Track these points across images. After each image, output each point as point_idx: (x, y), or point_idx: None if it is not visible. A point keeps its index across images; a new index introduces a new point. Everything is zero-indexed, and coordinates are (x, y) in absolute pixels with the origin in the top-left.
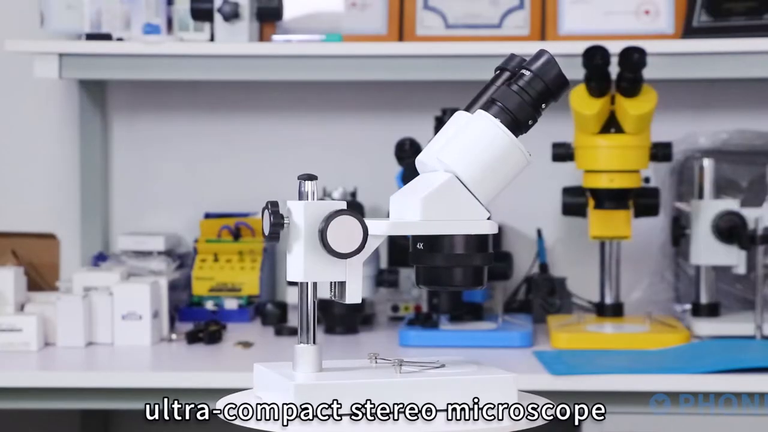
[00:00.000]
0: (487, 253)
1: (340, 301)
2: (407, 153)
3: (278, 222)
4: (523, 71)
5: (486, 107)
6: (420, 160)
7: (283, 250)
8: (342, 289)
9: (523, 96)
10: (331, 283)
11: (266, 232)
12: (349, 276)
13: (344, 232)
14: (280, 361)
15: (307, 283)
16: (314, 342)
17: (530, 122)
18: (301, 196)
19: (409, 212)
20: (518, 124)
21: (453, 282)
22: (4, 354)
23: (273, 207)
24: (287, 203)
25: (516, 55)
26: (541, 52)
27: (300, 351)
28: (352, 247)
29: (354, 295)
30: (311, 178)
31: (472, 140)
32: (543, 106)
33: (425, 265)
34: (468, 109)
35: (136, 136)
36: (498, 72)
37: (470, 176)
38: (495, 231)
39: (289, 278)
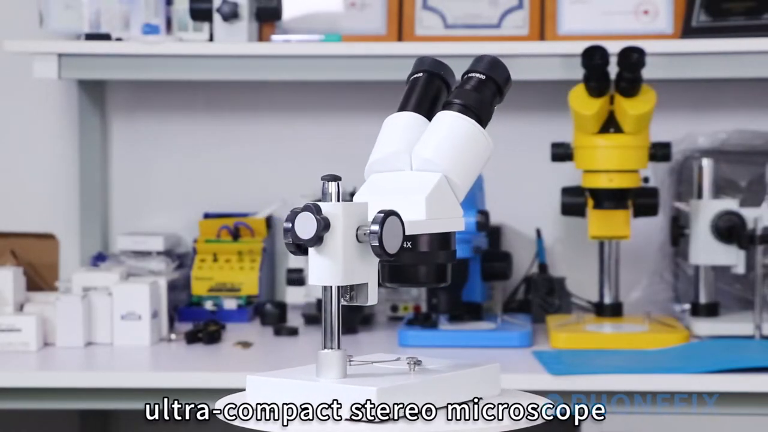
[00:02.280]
0: (451, 251)
1: (360, 304)
2: None
3: (327, 225)
4: (474, 74)
5: (446, 107)
6: (377, 160)
7: (282, 250)
8: (360, 291)
9: (482, 95)
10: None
11: (307, 237)
12: (370, 277)
13: (392, 234)
14: (270, 371)
15: (331, 287)
16: (339, 347)
17: (488, 121)
18: (325, 197)
19: (410, 212)
20: (481, 123)
21: (417, 279)
22: (4, 354)
23: (318, 210)
24: (322, 205)
25: (426, 56)
26: (484, 56)
27: (325, 356)
28: (396, 248)
29: (373, 296)
30: (335, 179)
31: (452, 138)
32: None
33: (391, 263)
34: (401, 110)
35: (136, 136)
36: (417, 75)
37: (455, 174)
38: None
39: (318, 282)
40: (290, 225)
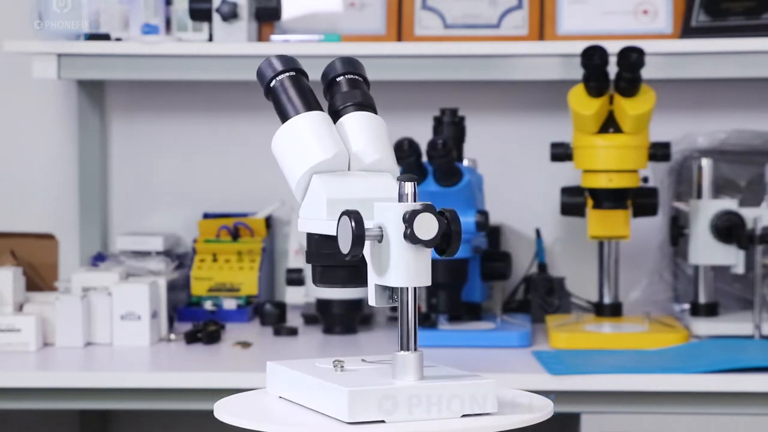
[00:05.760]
0: None
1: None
2: (406, 153)
3: (449, 227)
4: (344, 75)
5: (346, 111)
6: (325, 161)
7: (281, 250)
8: (403, 290)
9: (363, 90)
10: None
11: (429, 238)
12: None
13: None
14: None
15: (407, 288)
16: (416, 349)
17: None
18: (401, 198)
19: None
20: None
21: (349, 281)
22: (3, 354)
23: (435, 210)
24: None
25: (271, 57)
26: (336, 59)
27: (403, 358)
28: None
29: None
30: (411, 179)
31: (378, 135)
32: None
33: (323, 264)
34: (293, 115)
35: (135, 136)
36: (280, 77)
37: (395, 171)
38: None
39: (414, 284)
40: (408, 227)
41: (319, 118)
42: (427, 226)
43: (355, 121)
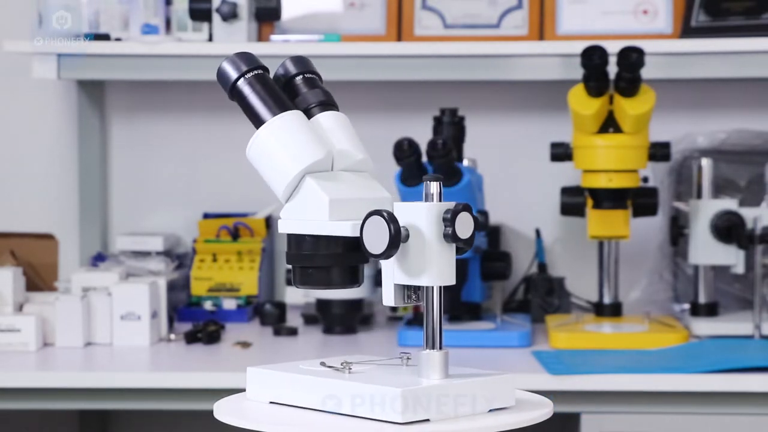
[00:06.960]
0: (362, 253)
1: (421, 303)
2: (406, 153)
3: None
4: (301, 75)
5: (313, 111)
6: (318, 161)
7: (281, 249)
8: (422, 291)
9: (322, 88)
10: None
11: (466, 237)
12: None
13: None
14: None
15: (433, 287)
16: (441, 348)
17: None
18: (428, 197)
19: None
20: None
21: (331, 282)
22: (3, 354)
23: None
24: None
25: (231, 57)
26: (286, 60)
27: (428, 357)
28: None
29: None
30: (437, 179)
31: (352, 134)
32: None
33: (302, 265)
34: (266, 118)
35: (135, 136)
36: (247, 75)
37: (371, 171)
38: None
39: (441, 282)
40: (449, 226)
41: (299, 117)
42: (466, 225)
43: (327, 120)
